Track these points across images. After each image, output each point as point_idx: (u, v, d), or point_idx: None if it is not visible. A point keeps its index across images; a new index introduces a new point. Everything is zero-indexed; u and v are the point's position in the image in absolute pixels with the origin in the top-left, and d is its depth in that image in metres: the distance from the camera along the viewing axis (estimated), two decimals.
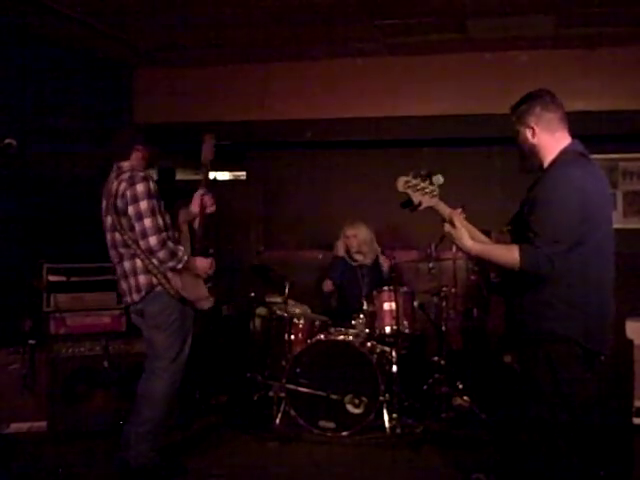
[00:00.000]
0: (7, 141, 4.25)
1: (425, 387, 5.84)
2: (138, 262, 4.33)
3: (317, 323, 5.79)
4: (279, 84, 7.17)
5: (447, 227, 3.32)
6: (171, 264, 4.27)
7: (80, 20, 5.82)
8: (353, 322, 5.75)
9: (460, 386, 5.82)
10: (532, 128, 3.25)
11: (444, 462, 4.76)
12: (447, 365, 5.88)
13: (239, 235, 7.48)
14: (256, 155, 7.91)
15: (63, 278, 5.54)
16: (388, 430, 5.24)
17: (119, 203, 4.27)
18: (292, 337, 5.67)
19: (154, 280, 4.32)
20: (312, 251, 7.31)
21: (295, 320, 5.73)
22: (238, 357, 6.25)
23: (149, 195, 4.26)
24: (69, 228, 5.89)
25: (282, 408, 5.42)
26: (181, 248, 4.35)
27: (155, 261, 4.27)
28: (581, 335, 3.08)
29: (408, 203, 3.43)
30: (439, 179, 3.41)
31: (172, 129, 7.41)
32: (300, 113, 7.17)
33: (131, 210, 4.23)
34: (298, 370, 5.39)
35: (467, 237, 3.25)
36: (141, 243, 4.24)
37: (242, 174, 8.44)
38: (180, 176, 9.19)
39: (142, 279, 4.34)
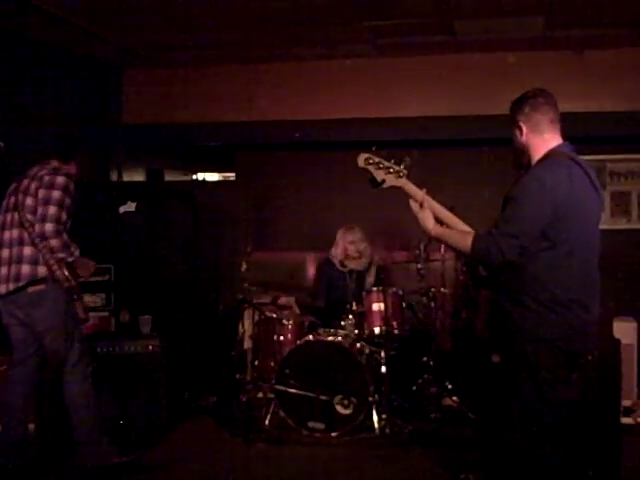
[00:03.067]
0: None
1: (414, 387, 5.86)
2: (27, 250, 4.29)
3: (306, 324, 5.78)
4: (268, 85, 7.17)
5: (414, 206, 3.38)
6: (62, 255, 4.26)
7: (69, 20, 5.80)
8: (342, 323, 5.75)
9: (449, 386, 5.84)
10: (520, 127, 3.27)
11: (433, 462, 4.77)
12: (436, 365, 5.90)
13: (228, 236, 7.48)
14: (245, 156, 7.90)
15: None
16: (377, 430, 5.24)
17: (32, 184, 4.32)
18: (281, 338, 5.65)
19: (40, 270, 4.26)
20: (301, 252, 7.30)
21: (284, 321, 5.72)
22: (227, 358, 6.24)
23: (65, 190, 4.30)
24: None
25: (271, 409, 5.42)
26: (75, 244, 4.34)
27: (45, 249, 4.23)
28: (561, 336, 3.08)
29: (372, 180, 3.43)
30: (407, 160, 3.41)
31: (161, 130, 7.41)
32: (289, 114, 7.17)
33: (42, 193, 4.28)
34: (287, 371, 5.39)
35: (431, 219, 3.34)
36: (37, 227, 4.23)
37: (231, 175, 8.43)
38: (169, 177, 9.18)
39: (25, 269, 4.28)
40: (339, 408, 5.29)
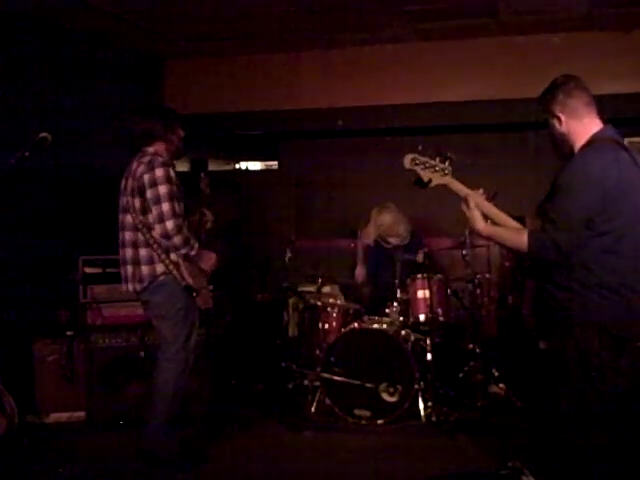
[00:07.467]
0: (42, 135, 4.30)
1: (460, 375, 5.81)
2: (142, 252, 4.34)
3: (351, 312, 5.79)
4: (310, 73, 7.17)
5: (464, 207, 3.32)
6: (184, 250, 4.31)
7: (111, 12, 5.86)
8: (387, 310, 5.73)
9: (496, 374, 5.79)
10: (558, 117, 3.21)
11: (480, 450, 4.74)
12: (482, 353, 5.84)
13: (271, 224, 7.50)
14: (288, 144, 7.91)
15: (99, 270, 5.59)
16: (423, 418, 5.23)
17: (136, 185, 4.30)
18: (326, 326, 5.67)
19: (158, 269, 4.32)
20: (344, 239, 7.29)
21: (329, 309, 5.73)
22: (273, 346, 6.27)
23: (168, 180, 4.28)
24: (104, 220, 5.94)
25: (317, 397, 5.45)
26: (194, 238, 4.38)
27: (167, 245, 4.28)
28: (610, 321, 3.04)
29: (418, 181, 3.40)
30: (451, 157, 3.36)
31: (203, 120, 7.45)
32: (331, 101, 7.16)
33: (149, 193, 4.25)
34: (332, 359, 5.40)
35: (480, 219, 3.26)
36: (157, 227, 4.25)
37: (274, 163, 8.44)
38: (212, 167, 9.23)
39: (145, 270, 4.35)
40: (385, 396, 5.28)
